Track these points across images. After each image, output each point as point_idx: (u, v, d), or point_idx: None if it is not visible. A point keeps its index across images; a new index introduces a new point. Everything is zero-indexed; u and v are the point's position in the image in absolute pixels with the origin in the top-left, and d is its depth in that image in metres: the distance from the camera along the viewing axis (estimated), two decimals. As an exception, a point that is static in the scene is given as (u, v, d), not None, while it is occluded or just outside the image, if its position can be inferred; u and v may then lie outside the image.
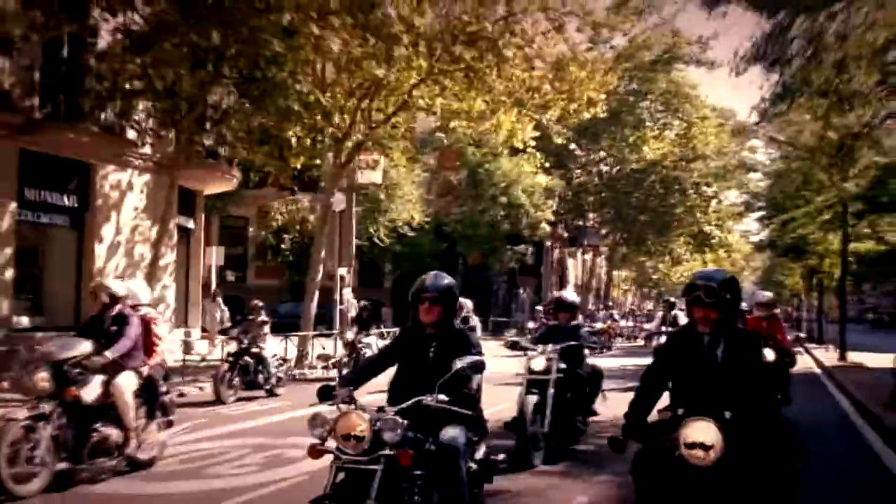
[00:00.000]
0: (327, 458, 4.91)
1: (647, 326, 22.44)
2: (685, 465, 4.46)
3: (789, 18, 12.57)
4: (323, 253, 21.30)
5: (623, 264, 57.45)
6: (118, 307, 8.40)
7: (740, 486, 4.49)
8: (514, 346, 10.25)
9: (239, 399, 14.13)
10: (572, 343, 9.36)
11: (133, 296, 8.78)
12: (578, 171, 45.59)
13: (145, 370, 8.51)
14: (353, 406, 5.10)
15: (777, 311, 12.02)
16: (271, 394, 14.83)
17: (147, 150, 18.70)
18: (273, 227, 35.69)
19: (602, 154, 45.29)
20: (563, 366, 9.14)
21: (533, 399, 8.78)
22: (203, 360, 19.14)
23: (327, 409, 5.18)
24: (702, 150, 44.49)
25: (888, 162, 16.15)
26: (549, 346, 9.20)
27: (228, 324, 19.10)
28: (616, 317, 40.28)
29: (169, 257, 20.18)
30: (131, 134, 17.29)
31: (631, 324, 42.08)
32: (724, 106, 49.76)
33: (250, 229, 39.01)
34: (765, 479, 4.63)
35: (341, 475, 4.92)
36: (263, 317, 15.67)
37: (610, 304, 48.51)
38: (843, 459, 9.84)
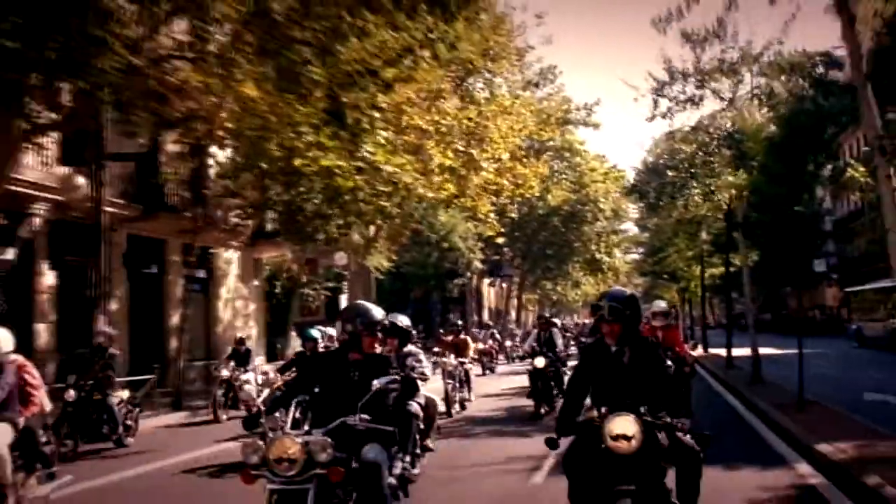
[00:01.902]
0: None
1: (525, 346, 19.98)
2: (610, 455, 5.29)
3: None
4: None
5: (531, 289, 67.73)
6: None
7: (655, 469, 5.39)
8: None
9: (80, 453, 13.01)
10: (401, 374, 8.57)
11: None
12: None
13: (21, 421, 8.01)
14: (281, 431, 5.48)
15: (672, 319, 12.55)
16: (119, 444, 13.77)
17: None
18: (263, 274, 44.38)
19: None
20: None
21: None
22: None
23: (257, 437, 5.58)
24: (593, 195, 55.21)
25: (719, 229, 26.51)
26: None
27: None
28: (497, 335, 39.19)
29: (251, 307, 29.43)
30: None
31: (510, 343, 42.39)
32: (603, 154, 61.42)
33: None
34: (675, 460, 5.57)
35: (275, 497, 5.33)
36: (109, 359, 14.46)
37: (489, 322, 47.42)
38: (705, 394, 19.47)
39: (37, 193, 18.69)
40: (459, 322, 23.21)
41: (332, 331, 12.50)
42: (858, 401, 13.91)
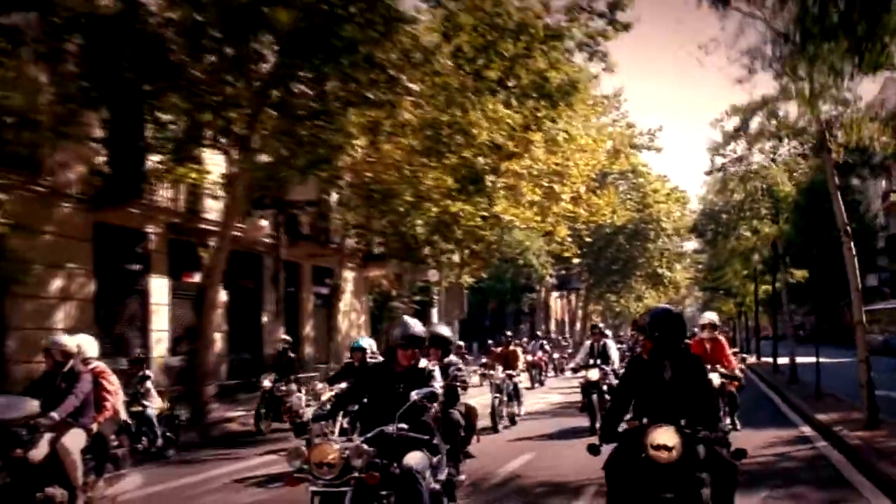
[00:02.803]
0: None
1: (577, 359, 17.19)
2: (650, 463, 5.52)
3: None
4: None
5: (596, 301, 72.00)
6: (70, 363, 8.32)
7: (693, 479, 5.50)
8: None
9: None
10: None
11: (82, 351, 8.69)
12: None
13: (94, 426, 8.36)
14: (325, 438, 6.01)
15: (717, 333, 12.12)
16: (159, 455, 13.48)
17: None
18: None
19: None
20: None
21: None
22: None
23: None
24: (656, 215, 59.35)
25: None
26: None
27: None
28: (547, 347, 36.35)
29: (362, 318, 34.41)
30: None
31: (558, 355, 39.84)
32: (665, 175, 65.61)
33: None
34: (711, 471, 5.65)
35: (318, 499, 5.78)
36: (146, 371, 14.44)
37: (539, 332, 45.72)
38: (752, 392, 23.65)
39: (215, 229, 23.75)
40: (509, 333, 22.98)
41: (372, 342, 12.89)
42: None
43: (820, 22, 7.74)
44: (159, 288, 22.08)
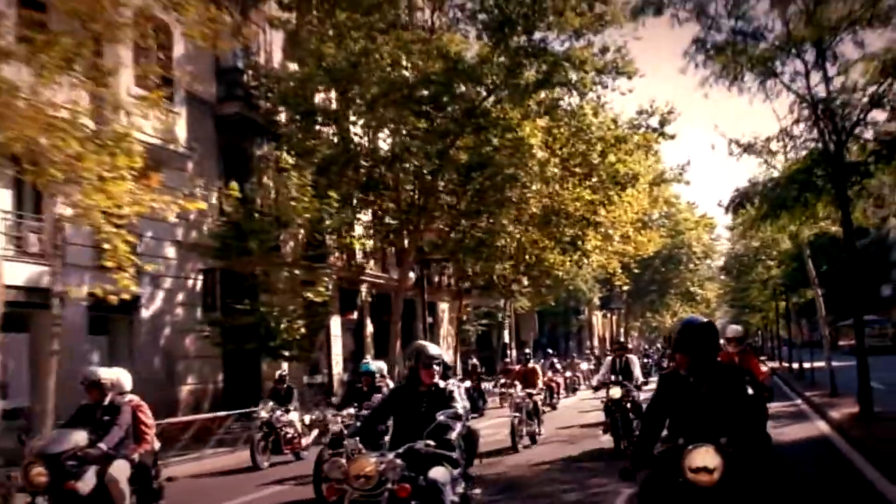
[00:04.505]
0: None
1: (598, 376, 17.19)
2: (690, 488, 5.18)
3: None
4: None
5: (635, 318, 79.74)
6: (109, 396, 8.65)
7: (737, 501, 5.23)
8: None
9: None
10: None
11: (120, 384, 8.98)
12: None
13: (136, 457, 8.65)
14: (361, 452, 6.29)
15: (749, 341, 11.79)
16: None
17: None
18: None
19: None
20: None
21: None
22: None
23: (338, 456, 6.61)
24: (687, 241, 67.08)
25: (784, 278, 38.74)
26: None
27: None
28: (559, 366, 34.12)
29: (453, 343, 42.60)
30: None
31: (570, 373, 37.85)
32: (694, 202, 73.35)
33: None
34: (756, 491, 5.37)
35: None
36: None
37: (550, 350, 41.47)
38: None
39: (364, 279, 32.11)
40: (528, 350, 23.81)
41: (382, 364, 13.48)
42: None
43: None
44: (335, 323, 30.37)
